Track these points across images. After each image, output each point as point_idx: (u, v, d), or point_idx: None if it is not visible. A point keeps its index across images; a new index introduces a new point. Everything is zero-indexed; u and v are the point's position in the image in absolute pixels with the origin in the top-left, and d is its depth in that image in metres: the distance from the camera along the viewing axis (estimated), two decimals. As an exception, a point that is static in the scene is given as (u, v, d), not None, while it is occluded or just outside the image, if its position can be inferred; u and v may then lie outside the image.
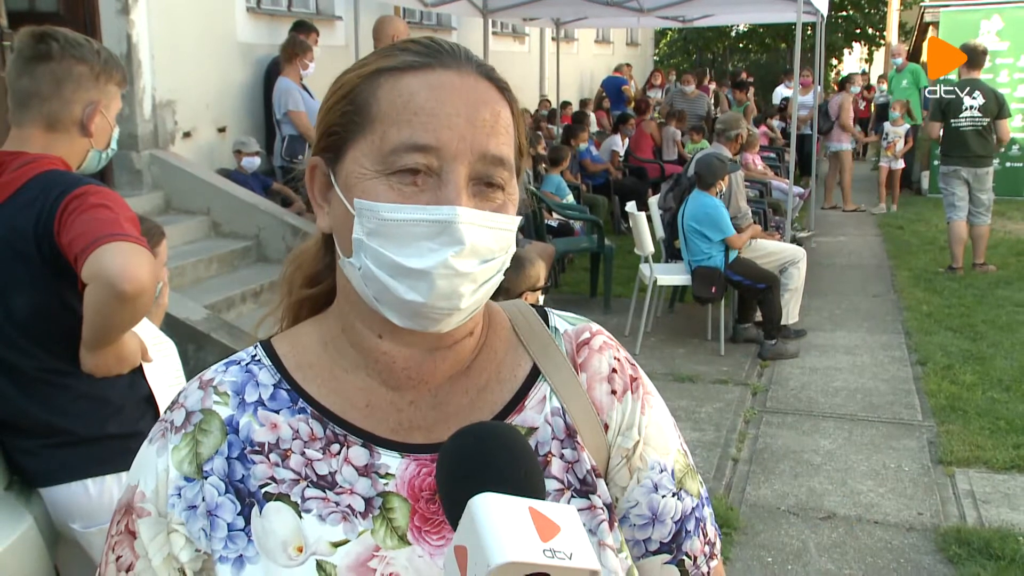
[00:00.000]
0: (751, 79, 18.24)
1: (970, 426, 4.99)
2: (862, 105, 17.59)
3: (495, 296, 0.98)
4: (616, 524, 0.99)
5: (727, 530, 3.91)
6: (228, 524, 0.92)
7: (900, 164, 12.11)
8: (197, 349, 4.79)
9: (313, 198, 0.98)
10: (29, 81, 2.12)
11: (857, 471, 4.53)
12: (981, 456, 4.61)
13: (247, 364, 0.99)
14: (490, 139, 0.89)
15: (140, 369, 2.26)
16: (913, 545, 3.81)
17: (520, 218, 0.94)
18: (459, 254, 0.86)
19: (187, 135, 7.38)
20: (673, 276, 6.84)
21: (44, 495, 2.20)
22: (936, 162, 10.22)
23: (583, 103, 14.93)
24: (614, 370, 1.03)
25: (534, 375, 1.01)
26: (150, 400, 2.26)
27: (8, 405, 2.15)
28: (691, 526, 1.03)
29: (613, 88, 16.16)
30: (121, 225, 1.98)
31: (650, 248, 6.67)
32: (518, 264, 3.50)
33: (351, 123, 0.91)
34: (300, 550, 0.91)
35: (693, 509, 1.04)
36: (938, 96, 8.49)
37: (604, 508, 0.97)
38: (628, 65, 17.60)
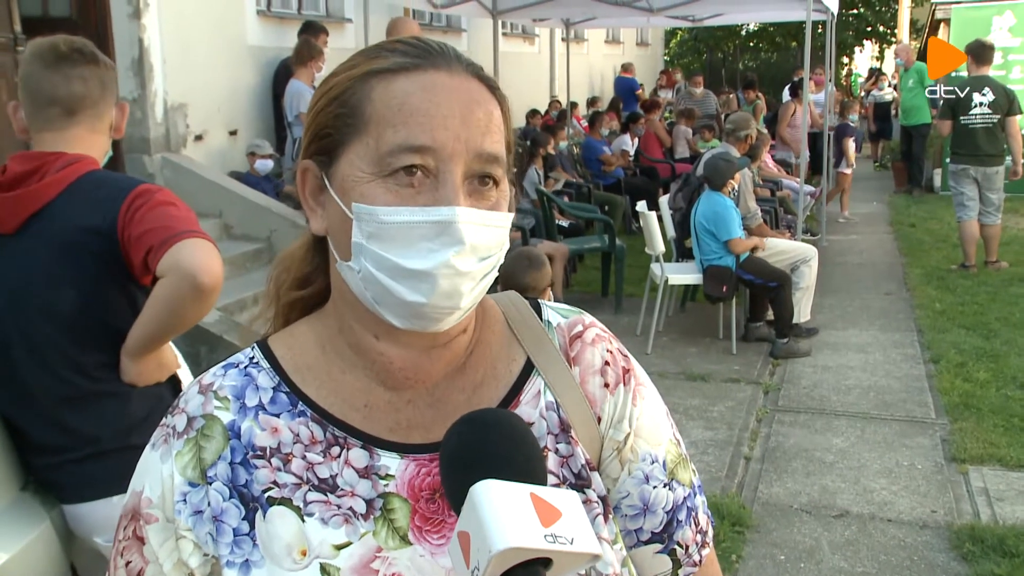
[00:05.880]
0: (755, 77, 18.14)
1: (984, 423, 4.96)
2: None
3: (494, 291, 0.98)
4: (611, 516, 1.00)
5: (740, 528, 3.90)
6: (233, 529, 0.93)
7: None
8: (209, 351, 4.82)
9: (305, 201, 0.98)
10: (82, 85, 2.15)
11: (870, 469, 4.51)
12: (995, 453, 4.58)
13: (245, 367, 1.00)
14: (484, 138, 0.90)
15: (173, 377, 2.27)
16: (927, 543, 3.79)
17: (513, 214, 0.94)
18: (459, 253, 0.87)
19: (199, 138, 7.42)
20: (684, 275, 6.84)
21: (66, 509, 2.19)
22: (948, 160, 10.14)
23: (593, 104, 14.93)
24: (607, 363, 1.03)
25: (528, 369, 1.01)
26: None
27: (40, 414, 2.13)
28: (683, 515, 1.04)
29: (627, 90, 16.15)
30: (193, 223, 2.05)
31: (661, 247, 6.67)
32: (538, 262, 3.55)
33: (344, 125, 0.92)
34: (304, 553, 0.91)
35: (685, 499, 1.05)
36: (938, 94, 8.44)
37: (599, 501, 0.98)
38: (632, 65, 17.58)
